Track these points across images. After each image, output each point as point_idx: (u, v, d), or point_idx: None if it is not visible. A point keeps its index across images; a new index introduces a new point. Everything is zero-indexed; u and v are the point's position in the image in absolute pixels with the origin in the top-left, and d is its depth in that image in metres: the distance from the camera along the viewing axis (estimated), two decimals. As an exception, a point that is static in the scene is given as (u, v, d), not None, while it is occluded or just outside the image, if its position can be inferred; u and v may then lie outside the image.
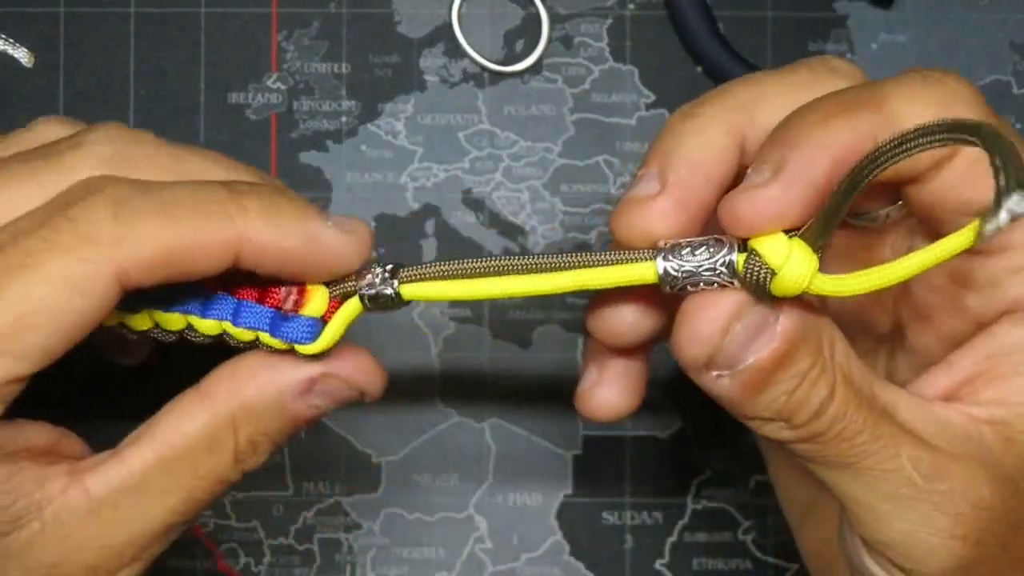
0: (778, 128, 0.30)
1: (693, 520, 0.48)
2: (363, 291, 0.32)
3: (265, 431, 0.32)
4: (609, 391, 0.35)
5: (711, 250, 0.30)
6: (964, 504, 0.30)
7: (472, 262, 0.31)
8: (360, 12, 0.48)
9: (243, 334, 0.32)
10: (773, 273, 0.29)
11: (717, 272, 0.29)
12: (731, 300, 0.29)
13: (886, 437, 0.30)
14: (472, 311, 0.48)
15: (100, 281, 0.29)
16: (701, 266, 0.30)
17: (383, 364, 0.34)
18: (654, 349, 0.37)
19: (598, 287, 0.31)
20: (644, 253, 0.30)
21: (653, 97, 0.48)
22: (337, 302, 0.32)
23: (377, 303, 0.32)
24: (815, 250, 0.29)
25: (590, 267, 0.31)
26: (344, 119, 0.48)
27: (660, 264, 0.30)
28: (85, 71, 0.48)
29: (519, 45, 0.48)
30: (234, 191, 0.30)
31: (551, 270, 0.31)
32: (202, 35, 0.48)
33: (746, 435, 0.48)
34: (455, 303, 0.48)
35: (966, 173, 0.30)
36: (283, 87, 0.48)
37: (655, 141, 0.32)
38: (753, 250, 0.29)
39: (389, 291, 0.32)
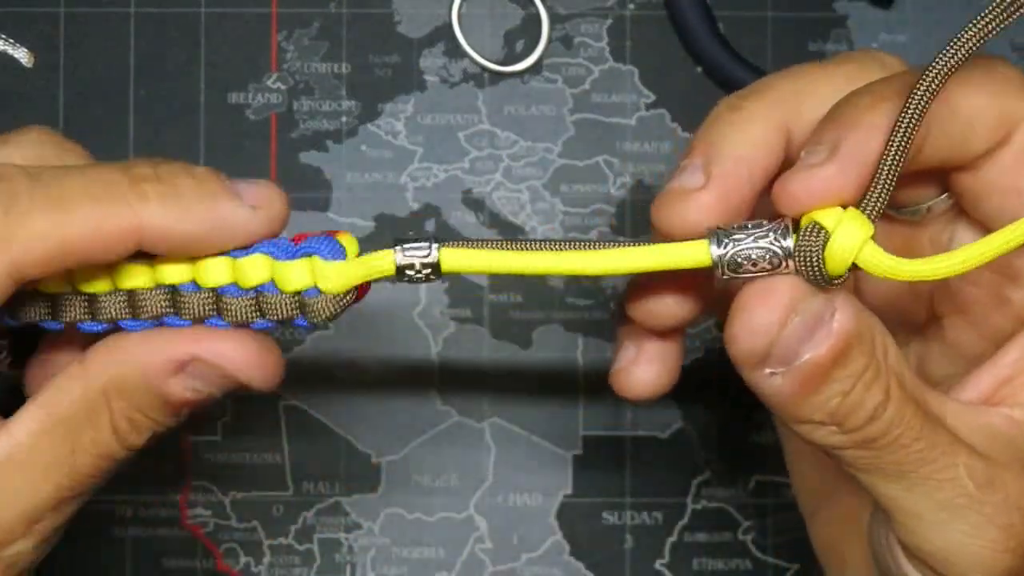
0: (832, 110, 0.30)
1: (693, 520, 0.48)
2: (399, 254, 0.30)
3: (138, 408, 0.31)
4: (646, 370, 0.34)
5: (764, 230, 0.29)
6: (1016, 514, 0.29)
7: (519, 241, 0.30)
8: (360, 12, 0.48)
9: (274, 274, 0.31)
10: (827, 237, 0.28)
11: (771, 252, 0.29)
12: (788, 290, 0.29)
13: (943, 445, 0.29)
14: (472, 311, 0.48)
15: None
16: (755, 246, 0.29)
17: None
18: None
19: (650, 269, 0.30)
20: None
21: (653, 97, 0.48)
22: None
23: (413, 268, 0.31)
24: (870, 218, 0.29)
25: (642, 247, 0.30)
26: (344, 119, 0.48)
27: (714, 248, 0.29)
28: (85, 71, 0.48)
29: (519, 45, 0.48)
30: (132, 175, 0.29)
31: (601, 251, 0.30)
32: (202, 35, 0.48)
33: (746, 435, 0.48)
34: (455, 306, 0.48)
35: (1018, 159, 0.30)
36: (283, 87, 0.48)
37: (700, 130, 0.32)
38: (810, 222, 0.29)
39: (430, 256, 0.30)
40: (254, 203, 0.30)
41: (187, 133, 0.48)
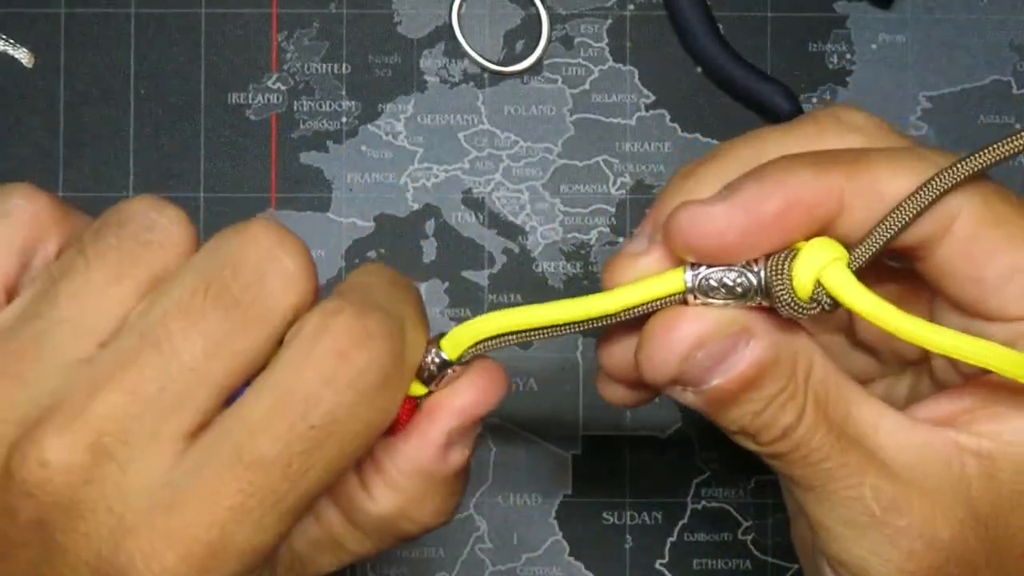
0: (759, 166, 0.30)
1: (693, 520, 0.48)
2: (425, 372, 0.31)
3: (434, 504, 0.33)
4: (614, 391, 0.35)
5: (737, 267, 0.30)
6: (919, 542, 0.30)
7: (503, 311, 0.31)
8: (360, 12, 0.48)
9: None
10: (795, 253, 0.29)
11: (745, 275, 0.29)
12: (695, 326, 0.29)
13: (852, 465, 0.30)
14: (472, 311, 0.48)
15: (395, 411, 0.30)
16: (727, 272, 0.29)
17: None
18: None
19: (629, 306, 0.30)
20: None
21: (653, 97, 0.48)
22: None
23: (433, 376, 0.31)
24: (852, 264, 0.29)
25: (617, 289, 0.30)
26: (344, 119, 0.48)
27: (688, 274, 0.30)
28: (85, 71, 0.48)
29: (519, 45, 0.48)
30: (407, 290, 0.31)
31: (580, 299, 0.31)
32: (202, 35, 0.48)
33: (746, 435, 0.49)
34: (455, 306, 0.48)
35: (960, 252, 0.30)
36: (283, 87, 0.48)
37: (655, 199, 0.32)
38: (788, 248, 0.29)
39: (437, 359, 0.31)
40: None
41: (187, 133, 0.48)
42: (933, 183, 0.29)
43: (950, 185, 0.29)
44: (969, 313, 0.31)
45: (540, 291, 0.48)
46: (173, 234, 0.29)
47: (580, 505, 0.48)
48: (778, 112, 0.47)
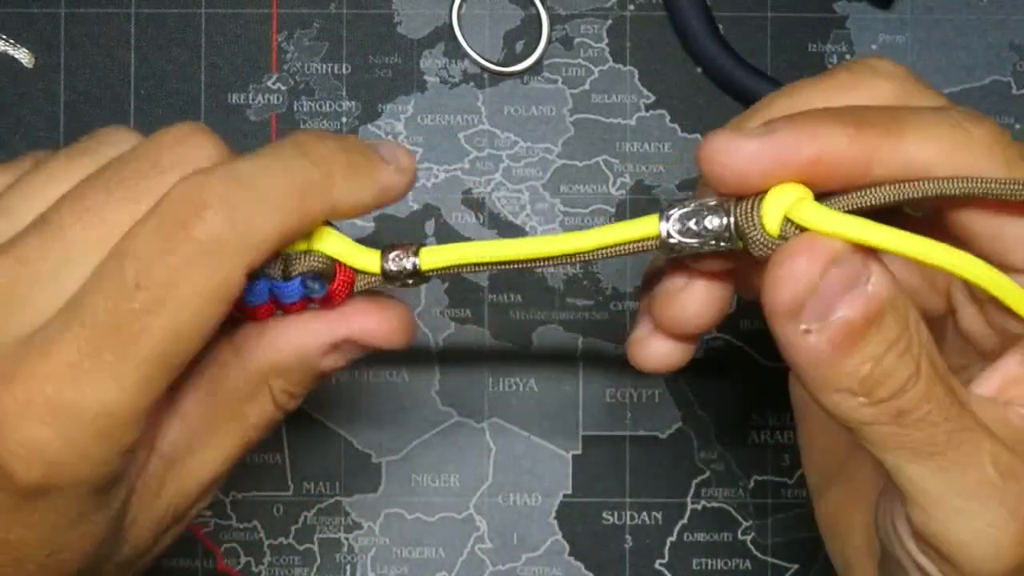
0: (801, 112, 0.31)
1: (693, 520, 0.48)
2: (387, 262, 0.33)
3: (296, 383, 0.34)
4: (661, 343, 0.35)
5: (713, 201, 0.31)
6: None
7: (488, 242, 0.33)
8: (360, 12, 0.48)
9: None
10: (763, 196, 0.30)
11: (715, 220, 0.30)
12: (829, 244, 0.29)
13: (970, 429, 0.29)
14: (472, 311, 0.48)
15: (234, 284, 0.30)
16: (701, 209, 0.30)
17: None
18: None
19: (604, 246, 0.32)
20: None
21: (653, 98, 0.48)
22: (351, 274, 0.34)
23: (398, 274, 0.33)
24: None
25: (595, 230, 0.32)
26: (344, 120, 0.48)
27: (663, 222, 0.31)
28: (85, 71, 0.48)
29: (519, 46, 0.48)
30: (319, 161, 0.32)
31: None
32: (202, 35, 0.48)
33: (746, 435, 0.48)
34: (455, 306, 0.48)
35: (982, 211, 0.30)
36: (283, 88, 0.48)
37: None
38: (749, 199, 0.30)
39: (410, 262, 0.33)
40: (399, 167, 0.33)
41: (187, 133, 0.48)
42: (925, 186, 0.30)
43: (933, 196, 0.30)
44: (992, 263, 0.31)
45: (540, 291, 0.48)
46: (117, 133, 0.33)
47: (580, 505, 0.48)
48: (778, 112, 0.47)
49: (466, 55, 0.48)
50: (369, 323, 0.34)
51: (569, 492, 0.48)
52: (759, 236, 0.30)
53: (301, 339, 0.33)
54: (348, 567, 0.48)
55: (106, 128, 0.34)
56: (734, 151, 0.29)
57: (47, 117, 0.48)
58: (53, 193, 0.32)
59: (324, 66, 0.48)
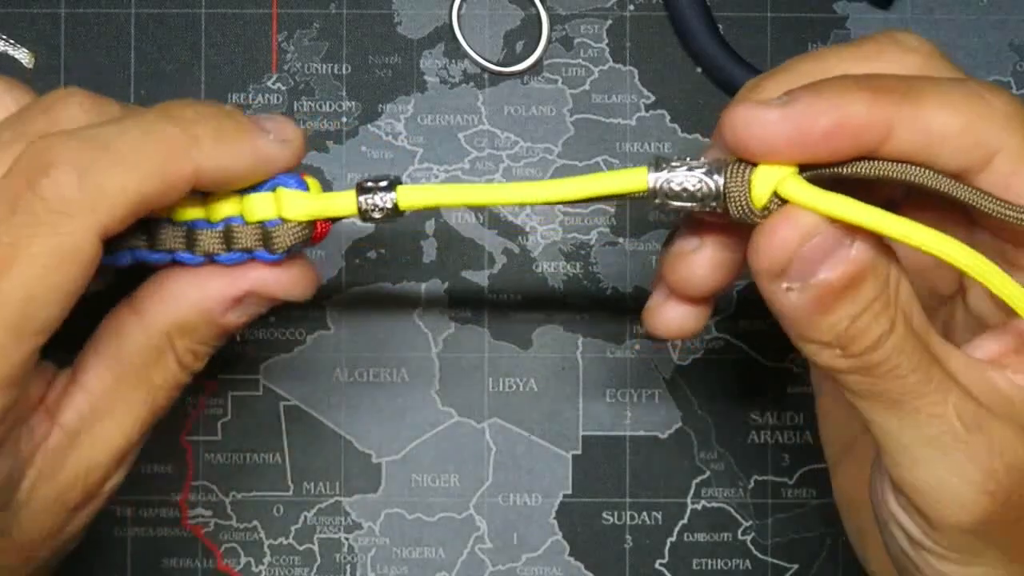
0: (820, 80, 0.31)
1: (693, 520, 0.48)
2: (363, 197, 0.33)
3: (199, 341, 0.34)
4: (675, 311, 0.36)
5: (701, 163, 0.32)
6: (999, 461, 0.31)
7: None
8: (360, 12, 0.48)
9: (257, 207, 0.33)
10: (753, 166, 0.31)
11: (704, 182, 0.31)
12: (809, 217, 0.30)
13: (937, 381, 0.31)
14: (472, 311, 0.48)
15: (86, 245, 0.30)
16: (689, 175, 0.31)
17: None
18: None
19: (593, 195, 0.32)
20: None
21: (653, 98, 0.48)
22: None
23: (375, 207, 0.33)
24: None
25: (584, 177, 0.32)
26: (344, 120, 0.48)
27: (652, 174, 0.32)
28: (85, 71, 0.48)
29: (519, 46, 0.48)
30: (183, 123, 0.32)
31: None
32: (202, 36, 0.48)
33: (746, 435, 0.48)
34: (455, 306, 0.48)
35: (997, 188, 0.31)
36: (283, 88, 0.48)
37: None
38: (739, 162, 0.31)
39: (387, 197, 0.33)
40: (280, 137, 0.33)
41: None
42: (920, 173, 0.31)
43: (928, 184, 0.31)
44: (1007, 240, 0.32)
45: (540, 290, 0.48)
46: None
47: (580, 505, 0.48)
48: (778, 112, 0.47)
49: (466, 55, 0.48)
50: (269, 275, 0.34)
51: (569, 492, 0.48)
52: (744, 203, 0.31)
53: (202, 294, 0.34)
54: (348, 567, 0.48)
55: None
56: (757, 121, 0.30)
57: (47, 117, 0.48)
58: None
59: (324, 66, 0.48)
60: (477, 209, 0.48)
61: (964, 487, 0.31)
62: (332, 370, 0.48)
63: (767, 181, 0.31)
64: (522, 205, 0.33)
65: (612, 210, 0.48)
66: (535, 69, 0.48)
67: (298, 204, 0.33)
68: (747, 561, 0.48)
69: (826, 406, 0.40)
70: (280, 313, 0.48)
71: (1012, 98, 0.31)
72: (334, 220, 0.34)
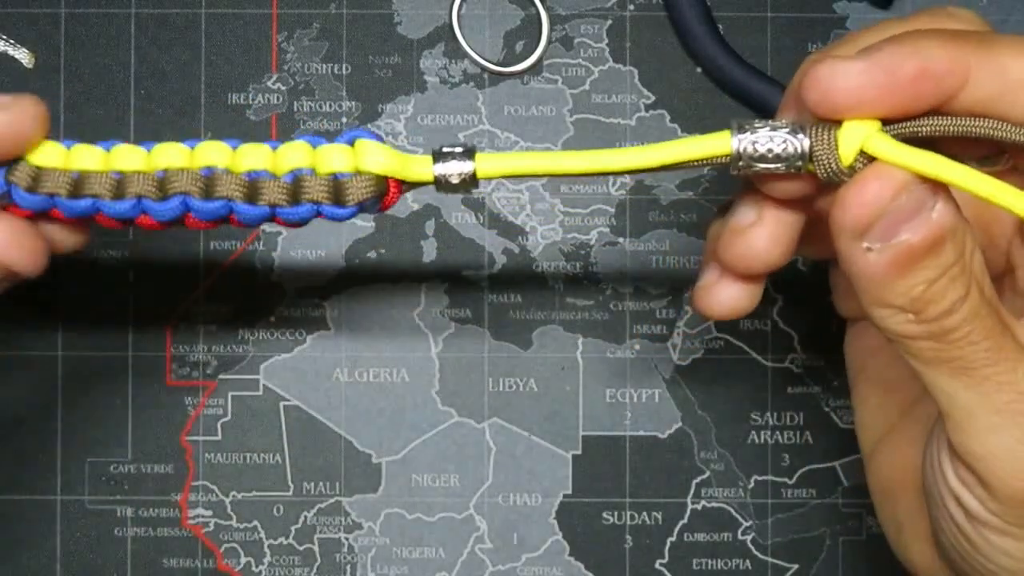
0: (896, 34, 0.32)
1: (693, 520, 0.48)
2: (440, 163, 0.32)
3: None
4: (727, 291, 0.36)
5: (784, 123, 0.31)
6: None
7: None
8: (360, 12, 0.48)
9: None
10: (838, 125, 0.31)
11: (789, 141, 0.31)
12: (901, 174, 0.30)
13: (1008, 349, 0.31)
14: (472, 311, 0.48)
15: None
16: (773, 134, 0.31)
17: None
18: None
19: (675, 161, 0.32)
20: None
21: (653, 98, 0.48)
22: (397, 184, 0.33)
23: (452, 173, 0.32)
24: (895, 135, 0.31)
25: (665, 143, 0.32)
26: (344, 120, 0.48)
27: (735, 138, 0.31)
28: (85, 71, 0.48)
29: (519, 46, 0.48)
30: None
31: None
32: (202, 35, 0.48)
33: (746, 435, 0.48)
34: (455, 306, 0.48)
35: None
36: (283, 88, 0.48)
37: (790, 83, 0.34)
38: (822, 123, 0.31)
39: (466, 165, 0.32)
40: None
41: (187, 133, 0.48)
42: (998, 127, 0.31)
43: (1004, 136, 0.31)
44: None
45: (540, 290, 0.48)
46: None
47: (580, 505, 0.48)
48: (778, 112, 0.47)
49: (466, 55, 0.48)
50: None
51: (569, 492, 0.48)
52: (831, 161, 0.31)
53: None
54: (348, 567, 0.48)
55: None
56: (843, 73, 0.30)
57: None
58: None
59: (324, 66, 0.48)
60: (477, 209, 0.48)
61: None
62: (332, 370, 0.48)
63: (853, 138, 0.31)
64: (603, 175, 0.32)
65: (612, 210, 0.48)
66: (535, 69, 0.48)
67: (377, 156, 0.32)
68: (747, 561, 0.48)
69: (863, 393, 0.40)
70: (280, 313, 0.48)
71: None
72: (406, 186, 0.33)
